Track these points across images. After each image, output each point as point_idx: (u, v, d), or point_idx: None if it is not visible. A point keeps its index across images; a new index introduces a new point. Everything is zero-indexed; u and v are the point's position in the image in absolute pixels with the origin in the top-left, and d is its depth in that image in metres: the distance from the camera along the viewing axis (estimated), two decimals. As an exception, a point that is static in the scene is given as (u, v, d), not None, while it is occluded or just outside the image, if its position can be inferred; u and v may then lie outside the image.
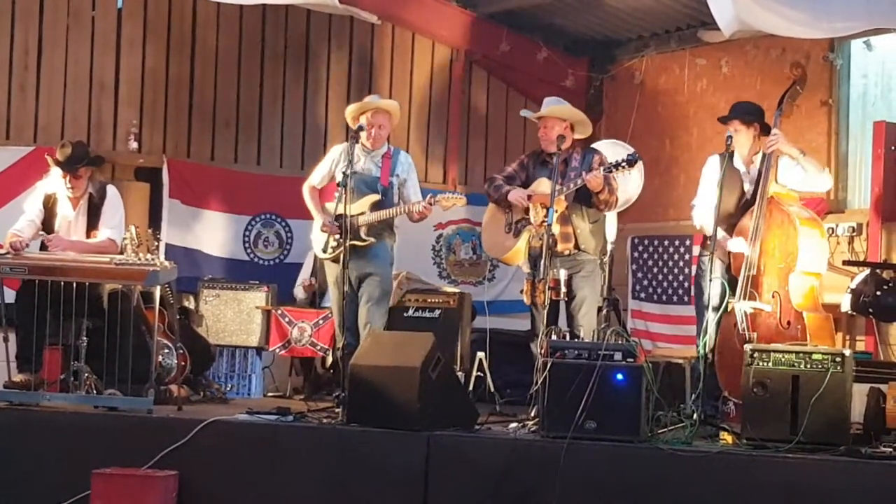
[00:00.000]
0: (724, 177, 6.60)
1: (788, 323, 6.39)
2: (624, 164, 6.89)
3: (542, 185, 7.07)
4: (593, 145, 7.72)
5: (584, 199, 7.04)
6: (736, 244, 6.60)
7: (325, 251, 7.36)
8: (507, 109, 10.86)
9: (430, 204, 7.29)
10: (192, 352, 8.04)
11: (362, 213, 7.29)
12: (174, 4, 9.74)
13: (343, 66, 10.33)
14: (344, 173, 7.03)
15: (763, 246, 6.52)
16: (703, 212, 6.75)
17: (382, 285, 7.37)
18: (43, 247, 7.25)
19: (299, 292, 9.16)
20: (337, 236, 7.23)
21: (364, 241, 7.27)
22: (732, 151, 6.71)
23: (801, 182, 6.65)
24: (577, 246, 7.05)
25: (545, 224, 6.64)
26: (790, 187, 6.65)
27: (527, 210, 7.09)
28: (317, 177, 7.57)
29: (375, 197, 7.34)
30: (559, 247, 6.98)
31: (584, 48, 10.74)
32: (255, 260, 9.92)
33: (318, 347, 8.61)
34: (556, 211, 6.84)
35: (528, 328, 7.29)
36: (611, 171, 6.92)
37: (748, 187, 6.69)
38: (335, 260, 7.24)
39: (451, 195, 7.50)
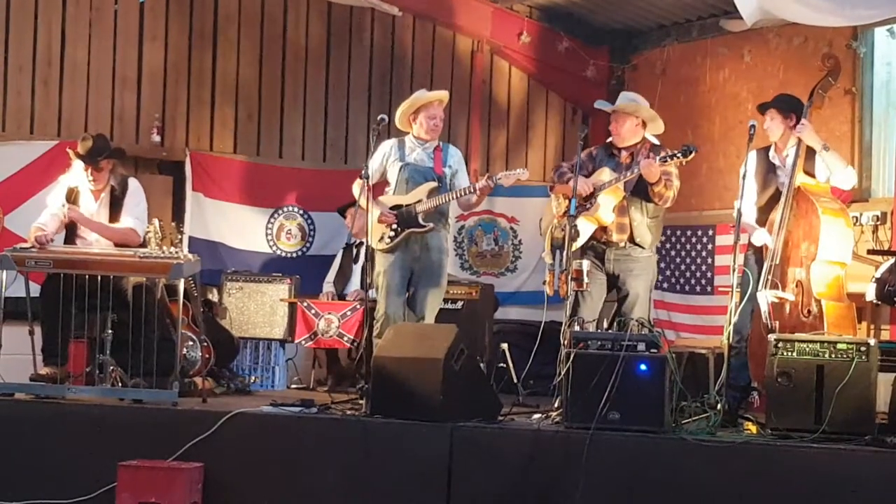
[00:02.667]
0: (758, 171, 6.60)
1: (809, 312, 6.38)
2: (678, 154, 6.86)
3: (604, 175, 7.06)
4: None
5: (644, 192, 7.01)
6: (759, 237, 6.58)
7: (381, 240, 7.35)
8: (529, 101, 10.85)
9: (492, 182, 7.26)
10: (216, 344, 8.08)
11: (419, 201, 7.30)
12: (196, -2, 9.78)
13: (364, 58, 10.33)
14: (365, 165, 7.04)
15: (788, 236, 6.51)
16: (743, 206, 6.69)
17: (438, 278, 7.38)
18: (67, 239, 7.30)
19: (327, 287, 9.17)
20: (394, 226, 7.25)
21: (424, 226, 7.28)
22: (769, 147, 6.70)
23: (827, 177, 6.63)
24: (631, 238, 7.03)
25: (567, 215, 6.63)
26: (821, 180, 6.62)
27: (585, 198, 7.04)
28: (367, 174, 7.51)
29: (433, 184, 7.36)
30: (614, 237, 6.99)
31: (605, 38, 10.71)
32: (278, 252, 9.94)
33: (346, 339, 8.62)
34: (615, 201, 6.90)
35: (550, 319, 7.27)
36: (666, 161, 6.89)
37: (783, 180, 6.66)
38: (391, 250, 7.26)
39: (512, 172, 7.39)
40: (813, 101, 6.74)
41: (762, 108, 6.80)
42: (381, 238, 7.31)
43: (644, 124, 7.19)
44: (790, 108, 6.71)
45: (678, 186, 7.05)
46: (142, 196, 7.47)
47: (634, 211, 7.02)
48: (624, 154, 7.13)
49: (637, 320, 6.17)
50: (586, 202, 7.04)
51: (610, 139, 7.29)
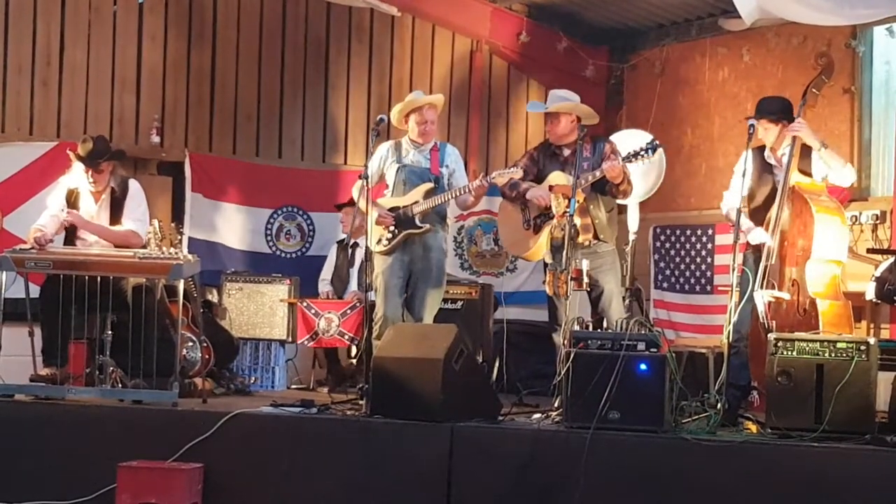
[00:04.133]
0: (754, 171, 6.59)
1: (804, 311, 6.38)
2: (644, 152, 6.86)
3: (558, 180, 7.06)
4: (612, 136, 7.70)
5: (599, 188, 7.03)
6: (755, 236, 6.57)
7: (379, 243, 7.36)
8: (528, 100, 10.83)
9: (486, 182, 7.26)
10: (216, 345, 8.08)
11: (416, 203, 7.31)
12: (195, -1, 9.79)
13: (363, 58, 10.33)
14: (365, 166, 7.05)
15: (784, 235, 6.51)
16: (731, 201, 6.71)
17: (437, 279, 7.37)
18: (67, 240, 7.30)
19: (322, 286, 9.19)
20: (392, 228, 7.27)
21: (421, 227, 7.28)
22: (763, 147, 6.70)
23: (825, 176, 6.62)
24: (596, 236, 7.05)
25: (567, 214, 6.63)
26: (817, 179, 6.61)
27: (546, 207, 7.06)
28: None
29: (429, 185, 7.35)
30: (580, 238, 6.97)
31: (604, 38, 10.72)
32: (278, 253, 9.95)
33: (347, 337, 8.62)
34: (576, 204, 6.84)
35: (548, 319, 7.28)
36: (631, 161, 6.90)
37: (780, 179, 6.65)
38: (388, 252, 7.27)
39: (506, 171, 7.32)
40: (807, 99, 6.73)
41: (751, 120, 6.72)
42: (379, 240, 7.31)
43: (579, 119, 7.19)
44: (778, 112, 6.67)
45: (629, 174, 7.07)
46: (142, 198, 7.47)
47: (594, 209, 7.05)
48: (567, 152, 7.14)
49: (636, 319, 6.17)
50: (548, 211, 7.04)
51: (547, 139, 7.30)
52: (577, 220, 6.93)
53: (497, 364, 8.34)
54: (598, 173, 6.90)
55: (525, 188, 7.17)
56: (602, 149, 7.08)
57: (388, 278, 7.28)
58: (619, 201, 7.29)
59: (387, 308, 7.26)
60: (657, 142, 6.94)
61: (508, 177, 7.24)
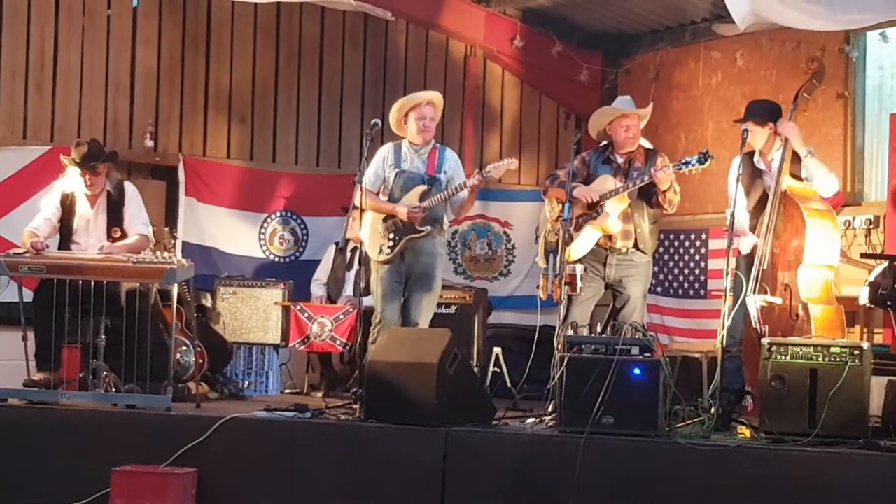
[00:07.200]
0: (744, 176, 6.60)
1: (797, 315, 6.38)
2: (694, 162, 6.86)
3: (607, 182, 7.06)
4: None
5: (647, 198, 7.04)
6: (745, 243, 6.58)
7: (380, 253, 7.30)
8: (522, 105, 10.86)
9: (484, 176, 7.22)
10: (210, 349, 8.07)
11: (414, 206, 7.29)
12: (189, 2, 9.74)
13: (357, 62, 10.33)
14: (359, 170, 7.02)
15: (776, 240, 6.52)
16: (735, 211, 6.71)
17: (432, 283, 7.36)
18: (62, 244, 7.29)
19: (316, 288, 9.18)
20: (391, 236, 7.25)
21: (421, 231, 7.26)
22: (753, 152, 6.71)
23: (809, 182, 6.63)
24: (636, 245, 7.06)
25: (561, 219, 6.63)
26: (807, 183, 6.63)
27: (590, 206, 7.04)
28: (368, 180, 7.36)
29: (422, 187, 7.32)
30: (618, 244, 7.00)
31: (598, 42, 10.73)
32: (271, 257, 9.94)
33: (339, 342, 8.62)
34: (621, 208, 6.93)
35: (543, 324, 7.28)
36: (681, 169, 6.90)
37: (770, 184, 6.66)
38: (391, 262, 7.25)
39: (501, 163, 7.28)
40: (798, 104, 6.75)
41: (739, 122, 6.76)
42: (380, 250, 7.28)
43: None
44: (764, 115, 6.69)
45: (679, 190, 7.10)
46: (140, 200, 7.48)
47: (639, 217, 7.05)
48: (621, 160, 7.15)
49: (630, 324, 6.17)
50: (591, 210, 7.04)
51: (604, 144, 7.29)
52: (619, 225, 6.97)
53: (491, 368, 8.34)
54: (646, 177, 6.91)
55: (572, 187, 7.10)
56: (654, 161, 7.09)
57: (386, 283, 7.26)
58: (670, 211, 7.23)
59: (385, 312, 7.25)
60: (709, 153, 6.91)
61: (504, 168, 7.23)
